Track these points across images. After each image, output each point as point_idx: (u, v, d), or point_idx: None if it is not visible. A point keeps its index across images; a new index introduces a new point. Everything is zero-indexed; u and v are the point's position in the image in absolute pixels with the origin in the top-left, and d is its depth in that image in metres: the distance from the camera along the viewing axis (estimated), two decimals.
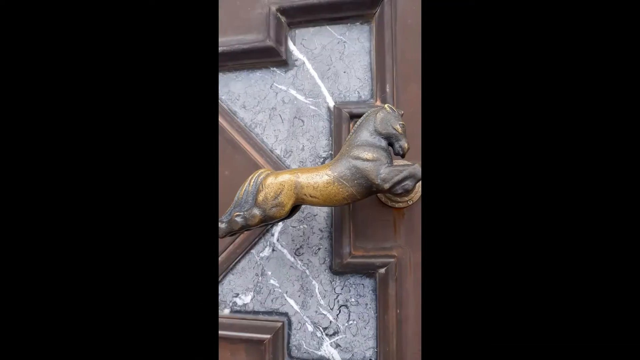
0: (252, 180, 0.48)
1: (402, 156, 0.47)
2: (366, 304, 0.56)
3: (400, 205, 0.54)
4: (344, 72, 0.59)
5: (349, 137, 0.48)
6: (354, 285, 0.56)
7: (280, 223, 0.58)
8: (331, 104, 0.59)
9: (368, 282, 0.56)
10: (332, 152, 0.58)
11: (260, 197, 0.47)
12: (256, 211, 0.47)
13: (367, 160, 0.44)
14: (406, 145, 0.45)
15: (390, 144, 0.46)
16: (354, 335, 0.56)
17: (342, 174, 0.45)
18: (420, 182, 0.52)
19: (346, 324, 0.56)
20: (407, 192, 0.45)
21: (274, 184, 0.47)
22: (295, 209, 0.50)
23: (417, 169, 0.44)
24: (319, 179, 0.46)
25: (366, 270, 0.55)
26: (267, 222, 0.48)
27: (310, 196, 0.46)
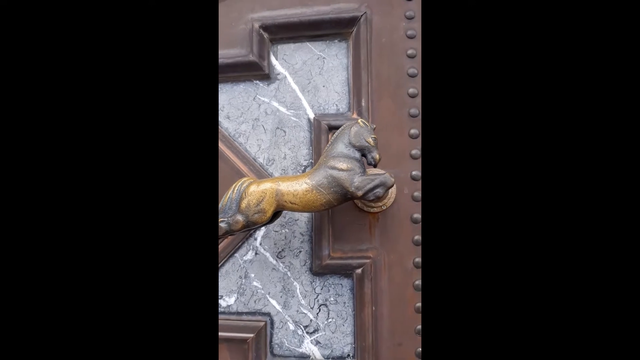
0: (236, 188, 0.51)
1: (375, 166, 0.51)
2: (344, 303, 0.60)
3: (375, 210, 0.58)
4: (323, 86, 0.63)
5: (326, 148, 0.52)
6: (332, 285, 0.60)
7: (263, 228, 0.62)
8: (311, 115, 0.63)
9: (346, 282, 0.60)
10: (313, 161, 0.62)
11: (244, 204, 0.50)
12: (239, 217, 0.50)
13: (342, 170, 0.49)
14: (378, 156, 0.50)
15: (364, 155, 0.51)
16: (333, 332, 0.59)
17: (320, 183, 0.49)
18: (393, 189, 0.57)
19: (326, 322, 0.60)
20: (379, 198, 0.50)
21: (256, 192, 0.50)
22: (276, 214, 0.54)
23: (387, 177, 0.49)
24: (299, 187, 0.50)
25: (344, 271, 0.59)
26: (249, 228, 0.51)
27: (291, 203, 0.50)
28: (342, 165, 0.49)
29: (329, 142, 0.52)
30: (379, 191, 0.48)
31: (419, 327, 0.57)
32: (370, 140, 0.49)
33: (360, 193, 0.48)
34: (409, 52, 0.60)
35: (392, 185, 0.49)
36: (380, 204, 0.57)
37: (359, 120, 0.51)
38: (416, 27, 0.61)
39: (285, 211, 0.60)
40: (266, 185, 0.51)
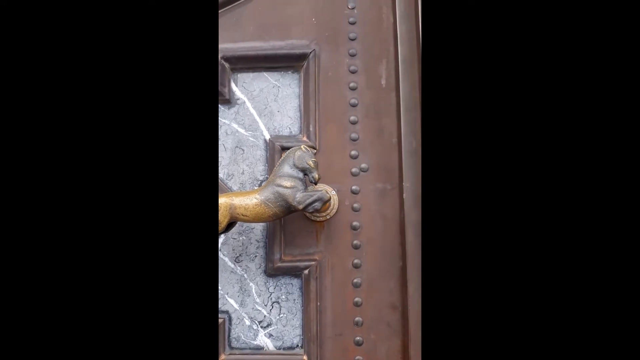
0: None
1: (315, 184, 0.61)
2: (294, 300, 0.69)
3: (321, 219, 0.68)
4: (278, 112, 0.72)
5: (274, 169, 0.61)
6: (284, 285, 0.69)
7: (222, 236, 0.70)
8: (267, 137, 0.72)
9: (296, 282, 0.69)
10: (268, 176, 0.71)
11: None
12: None
13: (287, 187, 0.58)
14: (317, 176, 0.60)
15: (306, 175, 0.61)
16: (284, 326, 0.68)
17: (268, 198, 0.59)
18: (333, 201, 0.67)
19: (278, 317, 0.68)
20: (317, 210, 0.60)
21: None
22: (231, 225, 0.62)
23: (323, 194, 0.59)
24: (249, 201, 0.59)
25: (294, 272, 0.68)
26: None
27: (242, 215, 0.59)
28: (287, 183, 0.58)
29: (278, 163, 0.62)
30: (317, 205, 0.58)
31: (357, 318, 0.67)
32: (311, 162, 0.59)
33: (301, 207, 0.58)
34: (351, 85, 0.71)
35: (328, 200, 0.59)
36: (324, 214, 0.67)
37: (302, 146, 0.61)
38: (357, 63, 0.72)
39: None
40: (221, 200, 0.59)
